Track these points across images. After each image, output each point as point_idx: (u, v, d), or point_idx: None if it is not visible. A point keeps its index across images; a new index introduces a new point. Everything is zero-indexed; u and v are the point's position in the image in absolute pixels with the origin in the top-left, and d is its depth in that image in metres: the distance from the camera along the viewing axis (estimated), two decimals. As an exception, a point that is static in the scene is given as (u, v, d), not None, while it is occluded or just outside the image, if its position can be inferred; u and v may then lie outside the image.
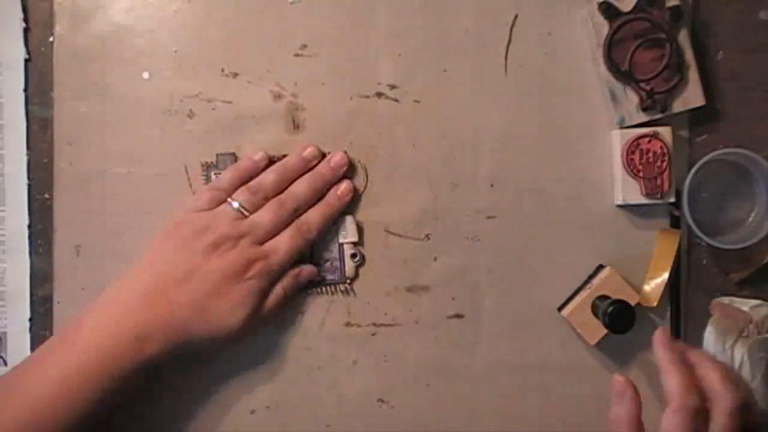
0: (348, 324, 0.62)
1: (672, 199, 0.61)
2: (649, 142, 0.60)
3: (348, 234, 0.61)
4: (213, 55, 0.62)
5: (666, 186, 0.60)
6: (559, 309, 0.62)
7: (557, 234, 0.62)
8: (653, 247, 0.62)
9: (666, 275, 0.61)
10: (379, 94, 0.62)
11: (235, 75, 0.62)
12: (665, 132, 0.60)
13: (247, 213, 0.57)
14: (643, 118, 0.61)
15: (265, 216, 0.57)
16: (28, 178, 0.61)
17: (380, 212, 0.62)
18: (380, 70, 0.62)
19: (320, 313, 0.62)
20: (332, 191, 0.60)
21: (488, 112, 0.62)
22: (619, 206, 0.62)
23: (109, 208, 0.61)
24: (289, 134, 0.62)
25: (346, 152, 0.61)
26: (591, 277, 0.62)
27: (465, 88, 0.62)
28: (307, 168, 0.60)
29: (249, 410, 0.62)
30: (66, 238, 0.61)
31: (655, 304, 0.61)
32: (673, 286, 0.63)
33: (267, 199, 0.58)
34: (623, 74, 0.60)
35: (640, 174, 0.60)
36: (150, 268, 0.55)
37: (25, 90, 0.61)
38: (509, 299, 0.62)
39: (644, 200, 0.60)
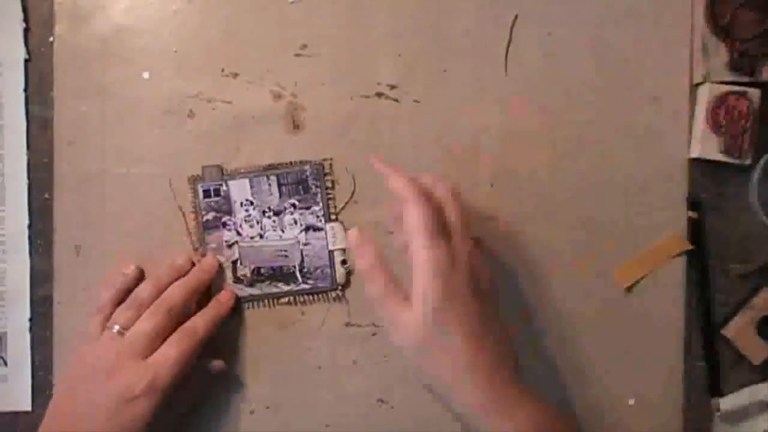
0: (348, 324, 0.62)
1: (748, 162, 0.61)
2: (737, 99, 0.60)
3: (337, 241, 0.61)
4: (213, 55, 0.62)
5: (746, 146, 0.60)
6: (719, 327, 0.62)
7: (557, 233, 0.62)
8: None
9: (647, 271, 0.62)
10: (379, 94, 0.62)
11: (235, 75, 0.62)
12: (754, 93, 0.61)
13: (125, 331, 0.55)
14: (730, 77, 0.61)
15: (142, 325, 0.55)
16: (28, 178, 0.61)
17: (381, 212, 0.62)
18: (380, 70, 0.62)
19: (320, 313, 0.62)
20: (214, 298, 0.60)
21: (488, 112, 0.62)
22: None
23: (109, 208, 0.61)
24: (289, 134, 0.62)
25: (215, 256, 0.61)
26: (750, 296, 0.62)
27: (465, 88, 0.62)
28: (180, 274, 0.60)
29: (249, 410, 0.62)
30: (66, 238, 0.61)
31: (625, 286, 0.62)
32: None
33: (144, 309, 0.57)
34: (721, 28, 0.60)
35: (722, 130, 0.60)
36: (53, 418, 0.54)
37: (25, 90, 0.61)
38: (509, 298, 0.62)
39: (720, 157, 0.61)
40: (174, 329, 0.56)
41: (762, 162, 0.61)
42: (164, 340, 0.55)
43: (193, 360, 0.56)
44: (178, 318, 0.57)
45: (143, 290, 0.58)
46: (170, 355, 0.54)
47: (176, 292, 0.57)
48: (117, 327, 0.55)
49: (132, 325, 0.55)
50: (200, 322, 0.57)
